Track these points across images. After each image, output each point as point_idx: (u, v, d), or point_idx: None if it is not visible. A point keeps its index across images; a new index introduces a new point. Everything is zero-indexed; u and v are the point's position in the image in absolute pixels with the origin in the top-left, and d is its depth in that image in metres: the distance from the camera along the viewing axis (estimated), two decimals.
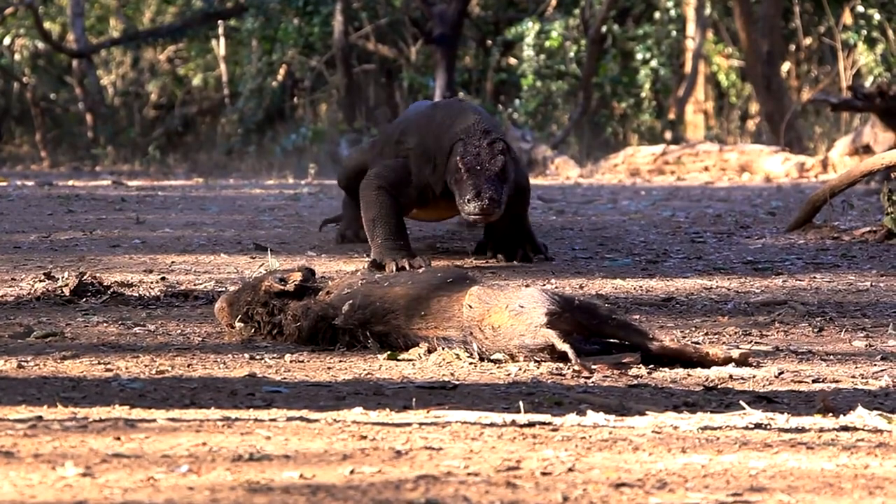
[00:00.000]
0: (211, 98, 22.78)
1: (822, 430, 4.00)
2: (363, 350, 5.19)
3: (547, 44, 19.59)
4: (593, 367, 4.88)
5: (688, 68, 20.38)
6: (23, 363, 4.87)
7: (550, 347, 4.91)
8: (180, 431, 3.80)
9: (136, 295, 6.32)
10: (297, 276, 5.38)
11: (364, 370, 4.90)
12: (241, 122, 20.75)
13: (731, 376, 4.87)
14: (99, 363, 4.91)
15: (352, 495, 3.16)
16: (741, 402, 4.34)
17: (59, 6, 23.47)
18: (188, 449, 3.58)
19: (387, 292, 5.21)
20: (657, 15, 19.97)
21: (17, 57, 23.38)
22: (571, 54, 19.71)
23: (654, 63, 19.60)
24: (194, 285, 6.64)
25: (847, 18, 19.48)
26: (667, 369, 4.97)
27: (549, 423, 4.00)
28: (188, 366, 4.92)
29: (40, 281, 6.55)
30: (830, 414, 4.22)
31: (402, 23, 20.64)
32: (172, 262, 7.56)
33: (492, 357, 5.02)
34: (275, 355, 5.13)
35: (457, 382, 4.67)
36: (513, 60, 20.52)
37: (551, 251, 7.75)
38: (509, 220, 7.22)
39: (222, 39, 22.42)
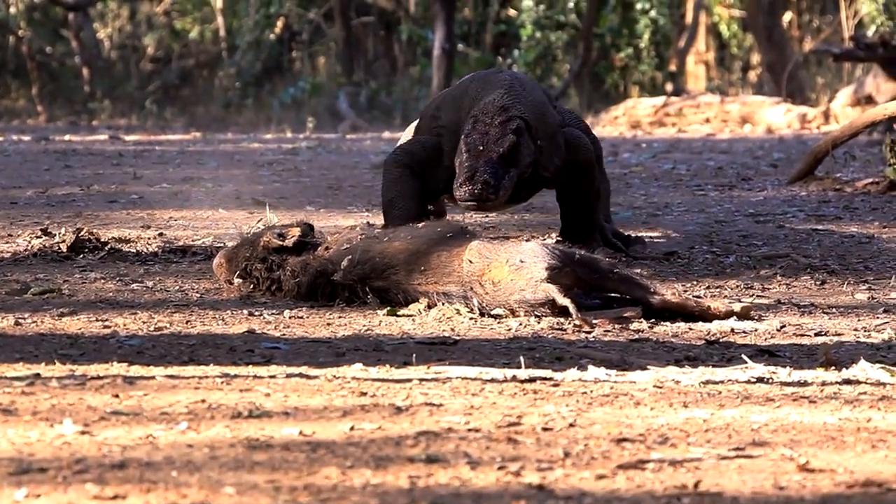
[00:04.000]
0: (208, 51, 22.68)
1: (824, 383, 3.99)
2: (362, 306, 5.17)
3: None
4: (594, 321, 4.86)
5: (689, 19, 20.28)
6: (20, 320, 4.85)
7: (551, 302, 4.89)
8: (179, 388, 3.78)
9: (134, 251, 6.30)
10: (296, 232, 5.35)
11: (364, 326, 4.88)
12: (239, 76, 20.67)
13: (732, 330, 4.86)
14: (97, 320, 4.89)
15: (352, 452, 3.15)
16: (743, 356, 4.33)
17: None
18: (187, 406, 3.56)
19: (386, 247, 5.19)
20: None
21: (12, 10, 23.27)
22: (571, 4, 19.61)
23: (653, 13, 19.50)
24: (192, 241, 6.61)
25: None
26: (668, 323, 4.95)
27: (550, 379, 3.99)
28: (186, 322, 4.90)
29: (37, 237, 6.53)
30: (833, 367, 4.20)
31: None
32: (170, 218, 7.53)
33: (492, 312, 4.99)
34: (274, 311, 5.11)
35: (457, 338, 4.65)
36: (512, 12, 20.42)
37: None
38: (570, 204, 6.41)
39: None
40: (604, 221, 6.55)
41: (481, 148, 5.96)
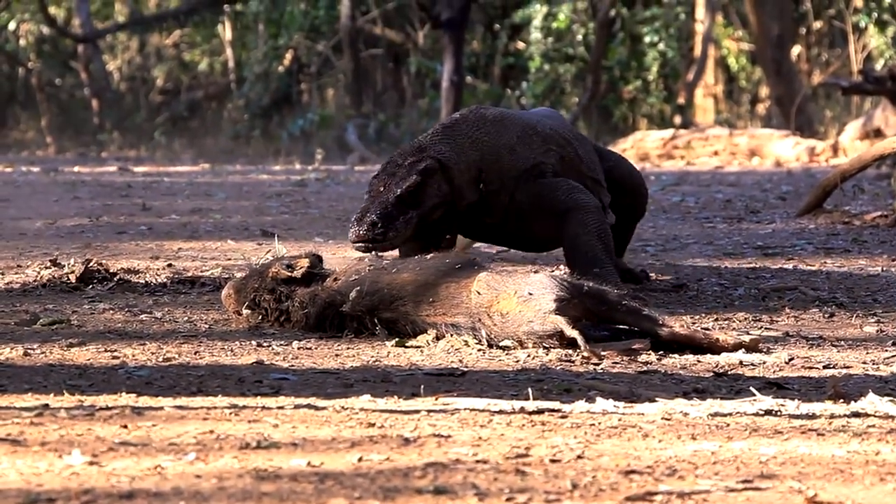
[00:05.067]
0: (217, 83, 22.77)
1: (832, 416, 3.98)
2: (371, 337, 5.17)
3: (554, 25, 19.55)
4: (603, 353, 4.86)
5: (697, 52, 20.33)
6: (29, 351, 4.85)
7: (559, 334, 4.89)
8: (187, 419, 3.78)
9: (143, 282, 6.30)
10: (305, 263, 5.36)
11: (372, 357, 4.88)
12: (248, 108, 20.74)
13: (741, 362, 4.85)
14: (105, 351, 4.90)
15: (360, 483, 3.15)
16: (751, 389, 4.32)
17: None
18: (195, 436, 3.57)
19: (395, 279, 5.19)
20: None
21: (22, 42, 23.38)
22: (579, 37, 19.66)
23: (661, 46, 19.55)
24: (201, 272, 6.62)
25: (857, 1, 19.41)
26: (677, 356, 4.95)
27: (559, 410, 3.98)
28: (195, 353, 4.91)
29: (46, 268, 6.54)
30: (841, 400, 4.20)
31: (410, 7, 20.60)
32: (179, 249, 7.55)
33: (500, 344, 4.99)
34: (282, 342, 5.11)
35: (465, 369, 4.65)
36: (521, 45, 20.48)
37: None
38: (567, 251, 6.08)
39: (228, 24, 22.40)
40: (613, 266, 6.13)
41: (381, 189, 5.83)
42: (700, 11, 20.25)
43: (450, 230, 6.12)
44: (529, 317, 4.94)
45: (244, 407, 3.96)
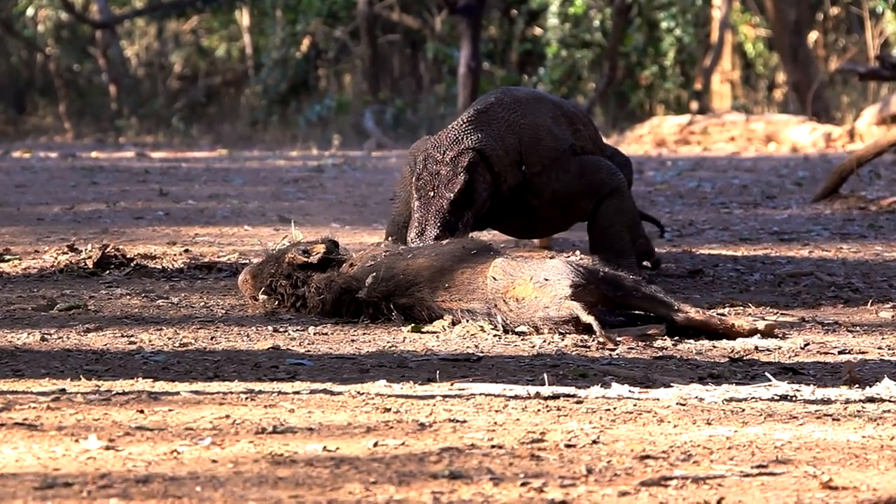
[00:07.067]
0: (235, 69, 22.78)
1: (847, 401, 3.99)
2: (387, 322, 5.19)
3: (571, 11, 19.51)
4: (618, 338, 4.87)
5: (714, 38, 20.27)
6: (46, 336, 4.88)
7: (575, 319, 4.90)
8: (204, 404, 3.80)
9: (160, 267, 6.32)
10: (321, 249, 5.37)
11: (388, 343, 4.89)
12: (265, 93, 20.75)
13: (756, 348, 4.86)
14: (122, 336, 4.92)
15: (375, 468, 3.16)
16: (767, 374, 4.33)
17: None
18: (211, 421, 3.58)
19: (410, 264, 5.20)
20: None
21: (40, 28, 23.42)
22: (597, 23, 19.62)
23: (678, 32, 19.51)
24: (218, 257, 6.64)
25: None
26: (692, 341, 4.95)
27: (574, 396, 3.99)
28: (211, 338, 4.92)
29: (63, 253, 6.56)
30: (856, 385, 4.20)
31: None
32: (196, 234, 7.56)
33: (516, 329, 5.00)
34: (298, 328, 5.13)
35: (481, 355, 4.66)
36: (538, 31, 20.45)
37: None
38: (596, 234, 6.08)
39: (246, 9, 22.40)
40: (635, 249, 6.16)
41: (431, 193, 5.66)
42: None
43: (495, 217, 6.01)
44: (545, 302, 4.94)
45: (260, 392, 3.98)
